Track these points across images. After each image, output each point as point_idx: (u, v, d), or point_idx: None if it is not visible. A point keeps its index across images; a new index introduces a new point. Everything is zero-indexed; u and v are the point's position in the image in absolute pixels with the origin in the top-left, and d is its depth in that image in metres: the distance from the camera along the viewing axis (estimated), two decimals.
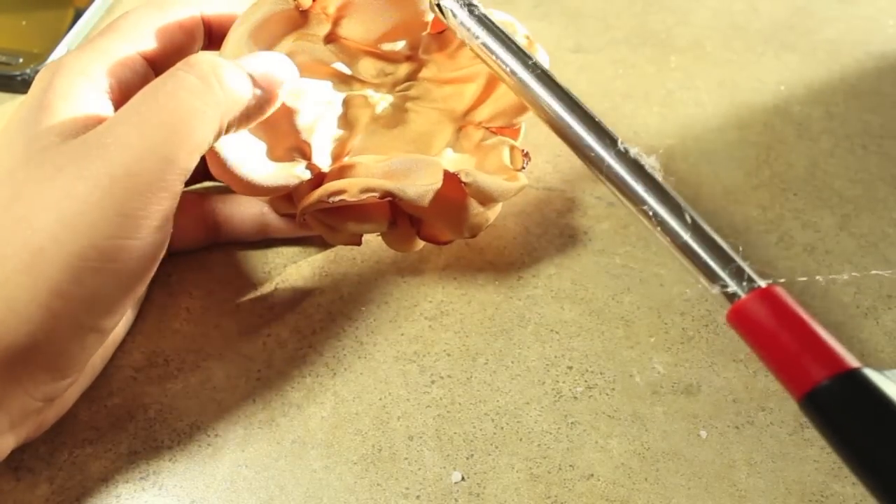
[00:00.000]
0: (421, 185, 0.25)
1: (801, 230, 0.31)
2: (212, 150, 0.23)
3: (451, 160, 0.28)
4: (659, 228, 0.20)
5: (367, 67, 0.27)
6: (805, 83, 0.37)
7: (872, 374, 0.16)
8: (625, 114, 0.35)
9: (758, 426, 0.26)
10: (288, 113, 0.26)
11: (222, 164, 0.24)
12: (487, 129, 0.28)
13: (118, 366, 0.27)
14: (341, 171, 0.27)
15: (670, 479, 0.25)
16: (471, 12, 0.25)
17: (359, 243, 0.29)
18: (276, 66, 0.24)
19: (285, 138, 0.26)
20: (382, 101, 0.28)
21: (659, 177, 0.21)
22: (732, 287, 0.19)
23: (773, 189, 0.32)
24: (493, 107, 0.28)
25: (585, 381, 0.27)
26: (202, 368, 0.27)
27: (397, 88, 0.28)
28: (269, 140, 0.26)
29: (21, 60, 0.36)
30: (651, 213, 0.20)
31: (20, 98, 0.23)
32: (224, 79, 0.22)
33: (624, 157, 0.21)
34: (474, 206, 0.27)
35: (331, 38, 0.26)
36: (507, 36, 0.25)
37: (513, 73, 0.24)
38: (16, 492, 0.24)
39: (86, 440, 0.25)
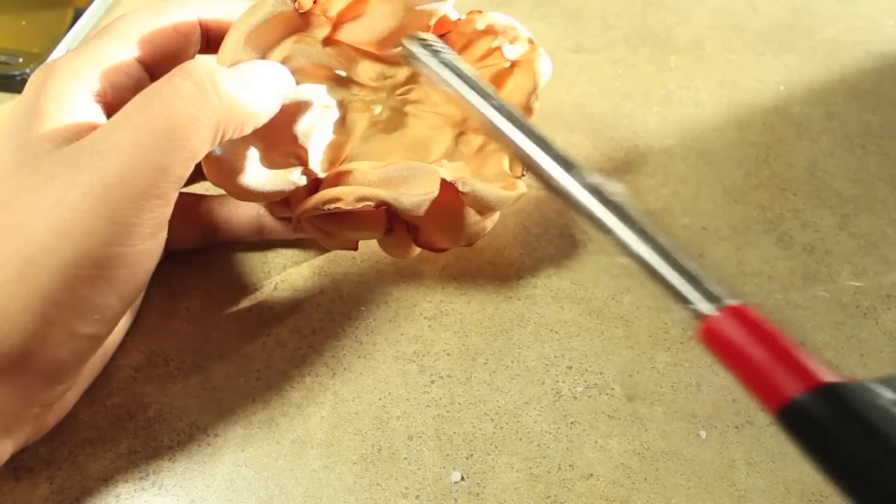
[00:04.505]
0: (417, 195, 0.25)
1: (800, 230, 0.31)
2: (208, 155, 0.23)
3: (450, 167, 0.28)
4: (624, 255, 0.21)
5: (367, 70, 0.27)
6: (805, 83, 0.37)
7: (852, 388, 0.16)
8: (625, 114, 0.35)
9: (757, 426, 0.26)
10: (285, 118, 0.25)
11: (218, 169, 0.24)
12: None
13: (118, 366, 0.27)
14: (338, 178, 0.27)
15: (670, 479, 0.25)
16: (437, 57, 0.25)
17: (355, 248, 0.29)
18: (273, 74, 0.24)
19: (282, 143, 0.26)
20: (380, 105, 0.28)
21: (621, 202, 0.21)
22: (701, 306, 0.19)
23: (772, 189, 0.32)
24: None
25: (585, 381, 0.27)
26: (202, 368, 0.27)
27: (397, 92, 0.28)
28: (265, 145, 0.26)
29: (21, 60, 0.36)
30: (616, 241, 0.21)
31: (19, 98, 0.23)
32: (221, 86, 0.22)
33: (586, 185, 0.22)
34: (472, 215, 0.27)
35: (329, 41, 0.26)
36: (472, 78, 0.25)
37: (480, 113, 0.25)
38: (16, 492, 0.24)
39: (86, 440, 0.25)
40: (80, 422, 0.26)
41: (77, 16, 0.39)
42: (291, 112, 0.26)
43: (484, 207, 0.27)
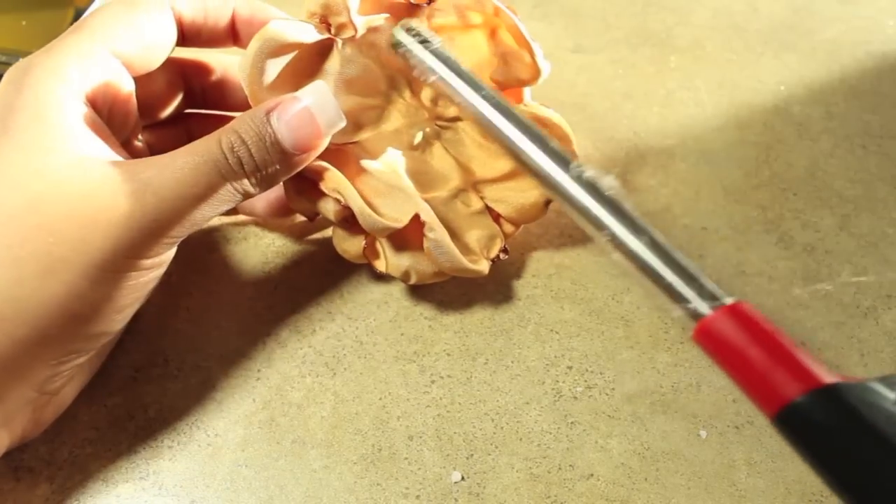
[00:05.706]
0: (386, 217, 0.25)
1: (801, 230, 0.31)
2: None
3: (429, 208, 0.27)
4: (618, 252, 0.20)
5: (428, 90, 0.28)
6: (805, 83, 0.37)
7: (852, 388, 0.16)
8: (625, 114, 0.35)
9: (758, 426, 0.26)
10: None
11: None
12: (487, 207, 0.28)
13: (118, 366, 0.27)
14: (341, 149, 0.27)
15: (670, 479, 0.25)
16: (426, 48, 0.25)
17: (312, 219, 0.28)
18: (317, 122, 0.24)
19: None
20: (418, 124, 0.28)
21: (615, 197, 0.21)
22: (697, 305, 0.18)
23: (773, 189, 0.32)
24: (504, 193, 0.28)
25: (585, 381, 0.27)
26: (202, 368, 0.27)
27: (437, 122, 0.28)
28: None
29: (21, 60, 0.36)
30: (610, 237, 0.20)
31: None
32: (268, 167, 0.23)
33: (579, 180, 0.21)
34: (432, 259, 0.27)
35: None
36: (462, 69, 0.25)
37: (468, 104, 0.24)
38: (16, 492, 0.24)
39: (86, 440, 0.25)
40: (80, 422, 0.26)
41: (77, 16, 0.39)
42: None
43: (438, 264, 0.27)
